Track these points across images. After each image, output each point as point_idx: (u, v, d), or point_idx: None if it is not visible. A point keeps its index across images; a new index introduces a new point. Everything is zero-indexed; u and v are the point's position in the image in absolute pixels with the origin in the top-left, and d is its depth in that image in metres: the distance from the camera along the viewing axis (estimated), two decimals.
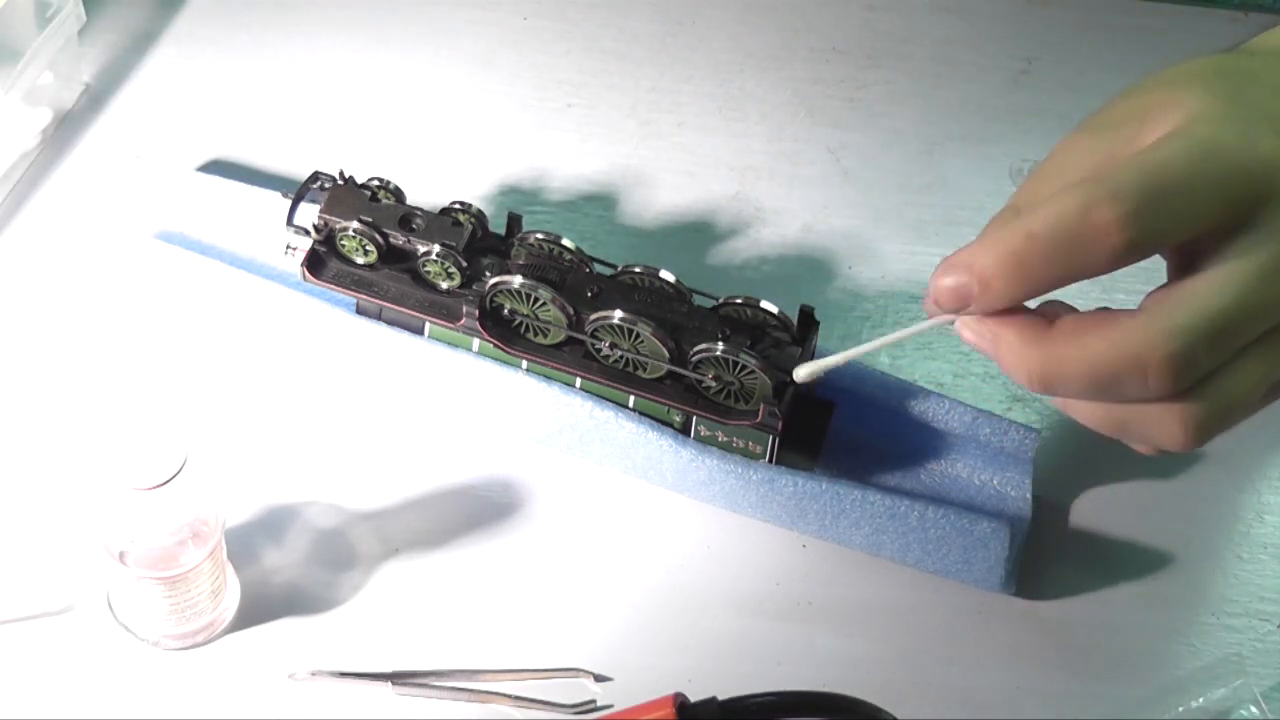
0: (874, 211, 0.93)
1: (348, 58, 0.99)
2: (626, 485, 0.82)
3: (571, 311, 0.79)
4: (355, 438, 0.83)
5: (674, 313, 0.79)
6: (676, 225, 0.92)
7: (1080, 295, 0.61)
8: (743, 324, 0.79)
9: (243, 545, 0.79)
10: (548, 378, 0.81)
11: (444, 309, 0.81)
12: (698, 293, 0.80)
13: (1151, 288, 0.60)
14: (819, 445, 0.81)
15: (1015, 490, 0.80)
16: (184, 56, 0.98)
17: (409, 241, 0.80)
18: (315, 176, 0.83)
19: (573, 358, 0.81)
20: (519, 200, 0.92)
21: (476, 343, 0.81)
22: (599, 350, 0.80)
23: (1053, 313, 0.61)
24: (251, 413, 0.84)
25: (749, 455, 0.79)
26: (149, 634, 0.76)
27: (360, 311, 0.83)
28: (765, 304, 0.78)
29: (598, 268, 0.82)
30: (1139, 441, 0.63)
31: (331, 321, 0.83)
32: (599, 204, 0.93)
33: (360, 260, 0.82)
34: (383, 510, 0.81)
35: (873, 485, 0.80)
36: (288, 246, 0.82)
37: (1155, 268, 0.61)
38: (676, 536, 0.81)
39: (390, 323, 0.83)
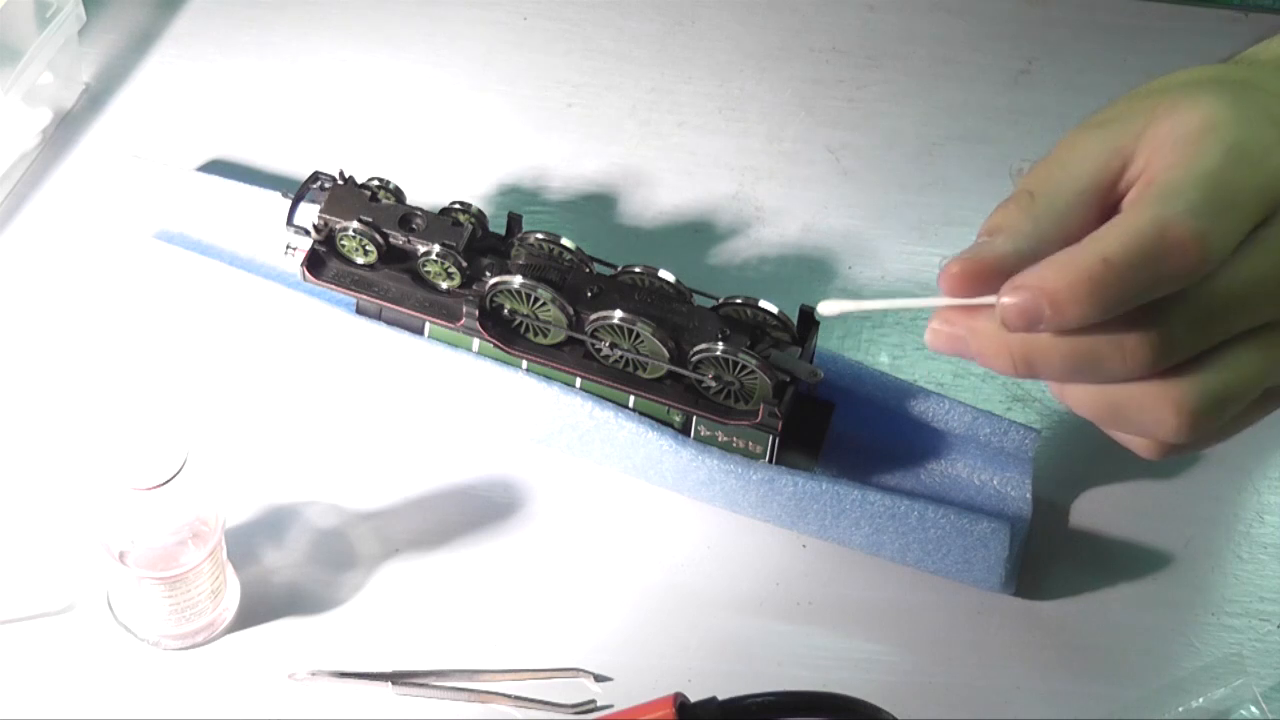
0: (874, 211, 0.93)
1: (348, 58, 0.99)
2: (626, 485, 0.82)
3: (571, 311, 0.79)
4: (355, 438, 0.83)
5: (674, 313, 0.79)
6: (676, 225, 0.92)
7: None
8: (743, 324, 0.79)
9: (243, 545, 0.79)
10: (548, 378, 0.81)
11: (444, 309, 0.81)
12: (698, 293, 0.80)
13: None
14: (819, 445, 0.81)
15: (1015, 490, 0.80)
16: (184, 56, 0.98)
17: (409, 241, 0.80)
18: (315, 176, 0.83)
19: (573, 358, 0.81)
20: (519, 200, 0.92)
21: (476, 343, 0.81)
22: (599, 350, 0.80)
23: None
24: (251, 413, 0.84)
25: (749, 455, 0.79)
26: (149, 634, 0.76)
27: (360, 311, 0.83)
28: (765, 304, 0.78)
29: (598, 268, 0.82)
30: (1134, 430, 0.64)
31: (331, 321, 0.83)
32: (599, 204, 0.93)
33: (360, 260, 0.82)
34: (383, 510, 0.81)
35: (873, 485, 0.80)
36: (288, 246, 0.82)
37: None
38: (676, 536, 0.81)
39: (390, 323, 0.83)
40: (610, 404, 0.80)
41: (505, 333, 0.81)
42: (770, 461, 0.79)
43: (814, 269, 0.90)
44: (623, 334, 0.78)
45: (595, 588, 0.79)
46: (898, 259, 0.91)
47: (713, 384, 0.78)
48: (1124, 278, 0.58)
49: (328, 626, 0.77)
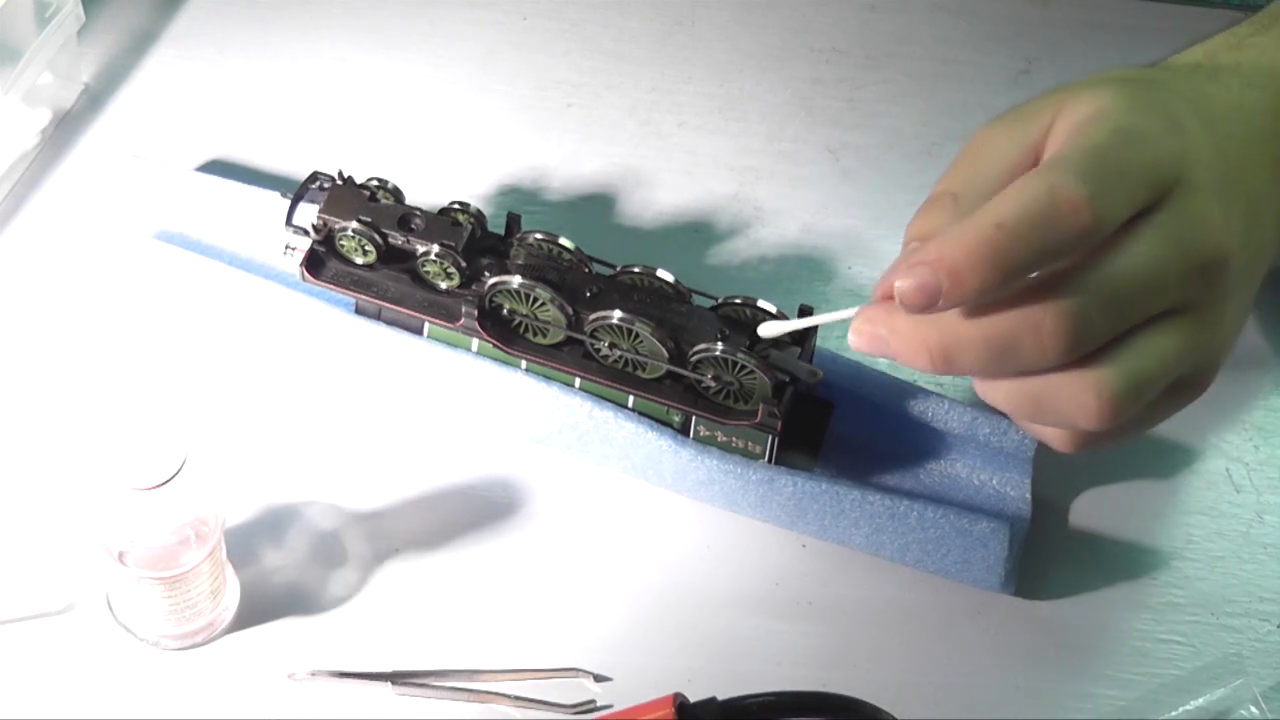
0: (874, 211, 0.93)
1: (347, 58, 0.99)
2: (626, 485, 0.82)
3: (570, 311, 0.79)
4: (355, 438, 0.83)
5: (673, 313, 0.79)
6: (676, 225, 0.92)
7: None
8: (742, 324, 0.78)
9: (243, 545, 0.79)
10: (547, 378, 0.81)
11: (443, 309, 0.81)
12: (697, 293, 0.80)
13: None
14: (819, 445, 0.81)
15: (1015, 490, 0.80)
16: (184, 56, 0.98)
17: (408, 241, 0.80)
18: (314, 176, 0.83)
19: (572, 358, 0.81)
20: (518, 200, 0.92)
21: (476, 343, 0.81)
22: (598, 350, 0.80)
23: None
24: (251, 413, 0.84)
25: (748, 455, 0.79)
26: (149, 634, 0.76)
27: (359, 311, 0.83)
28: (764, 304, 0.78)
29: (597, 268, 0.82)
30: (1056, 421, 0.65)
31: (331, 321, 0.83)
32: (599, 204, 0.93)
33: (359, 260, 0.82)
34: (383, 510, 0.81)
35: (872, 485, 0.80)
36: (287, 246, 0.82)
37: None
38: (676, 536, 0.81)
39: (389, 323, 0.83)
40: (610, 404, 0.80)
41: (504, 333, 0.81)
42: (770, 461, 0.79)
43: (814, 269, 0.90)
44: (622, 334, 0.78)
45: (595, 588, 0.79)
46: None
47: (712, 384, 0.78)
48: (1019, 241, 0.60)
49: (328, 626, 0.77)
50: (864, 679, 0.76)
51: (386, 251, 0.81)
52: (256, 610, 0.78)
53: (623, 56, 1.00)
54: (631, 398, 0.80)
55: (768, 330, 0.73)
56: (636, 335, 0.78)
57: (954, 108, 0.98)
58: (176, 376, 0.85)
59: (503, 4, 1.02)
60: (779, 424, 0.77)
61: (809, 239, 0.92)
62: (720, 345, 0.76)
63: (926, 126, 0.97)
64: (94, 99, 0.96)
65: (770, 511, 0.80)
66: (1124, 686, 0.77)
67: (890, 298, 0.62)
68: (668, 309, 0.79)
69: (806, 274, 0.90)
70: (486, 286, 0.79)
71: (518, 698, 0.75)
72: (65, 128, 0.95)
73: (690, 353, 0.78)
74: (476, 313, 0.80)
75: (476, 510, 0.81)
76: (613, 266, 0.81)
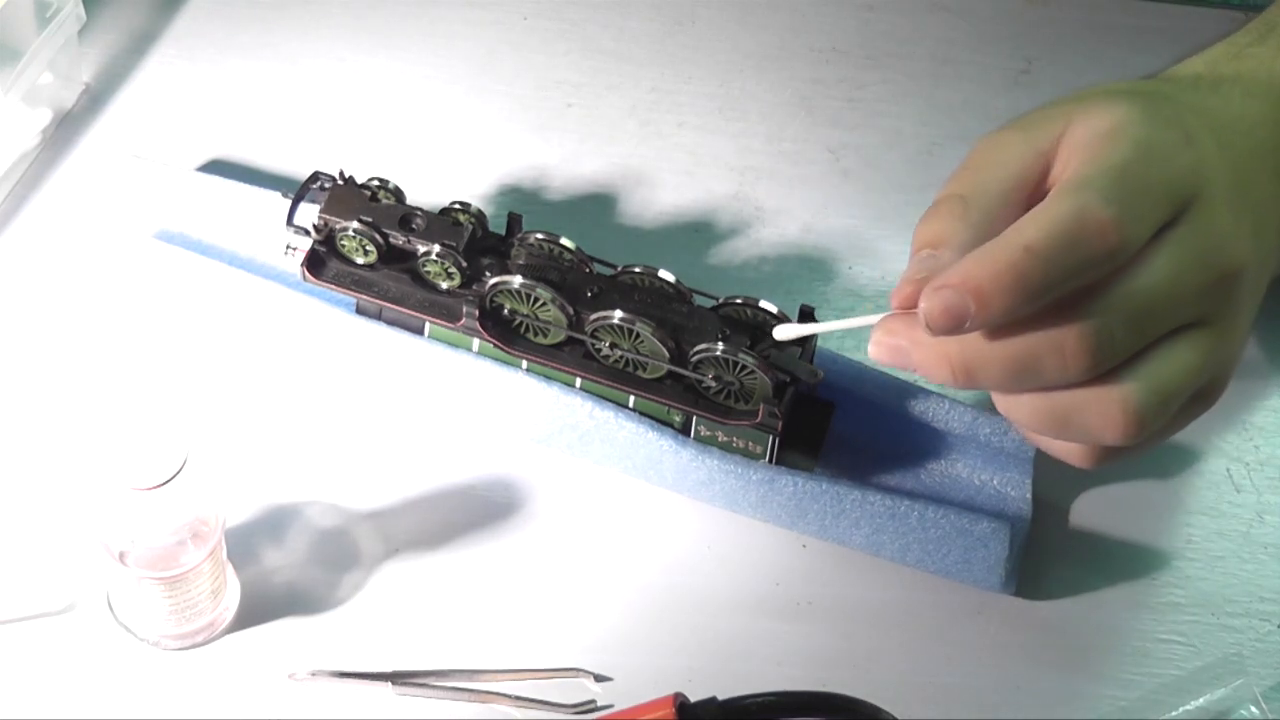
0: (874, 211, 0.93)
1: (347, 57, 0.99)
2: (626, 485, 0.82)
3: (571, 311, 0.79)
4: (355, 438, 0.83)
5: (674, 313, 0.79)
6: (676, 225, 0.92)
7: None
8: (743, 324, 0.79)
9: (243, 545, 0.79)
10: (548, 378, 0.81)
11: (444, 309, 0.81)
12: (698, 293, 0.80)
13: None
14: (819, 445, 0.81)
15: (1015, 490, 0.80)
16: (184, 56, 0.98)
17: (409, 241, 0.80)
18: (315, 176, 0.83)
19: (573, 358, 0.81)
20: (519, 200, 0.92)
21: (476, 343, 0.81)
22: (599, 350, 0.80)
23: None
24: (251, 413, 0.84)
25: (749, 455, 0.79)
26: (149, 634, 0.76)
27: (360, 311, 0.83)
28: (765, 304, 0.78)
29: (598, 268, 0.82)
30: (1081, 438, 0.65)
31: (331, 321, 0.83)
32: (599, 204, 0.93)
33: (360, 260, 0.82)
34: (383, 510, 0.81)
35: (873, 485, 0.80)
36: (288, 246, 0.82)
37: None
38: (676, 536, 0.81)
39: (390, 323, 0.83)
40: (610, 404, 0.80)
41: (505, 333, 0.81)
42: (770, 461, 0.79)
43: (814, 269, 0.90)
44: (623, 334, 0.78)
45: (595, 588, 0.79)
46: (898, 259, 0.91)
47: (713, 384, 0.78)
48: (1047, 264, 0.60)
49: (328, 626, 0.77)
50: (864, 679, 0.76)
51: (387, 251, 0.81)
52: (256, 610, 0.78)
53: (623, 56, 1.00)
54: (632, 398, 0.80)
55: (784, 333, 0.72)
56: (637, 335, 0.78)
57: (954, 108, 0.98)
58: (176, 376, 0.85)
59: (503, 4, 1.02)
60: (780, 424, 0.77)
61: (809, 239, 0.92)
62: (721, 345, 0.76)
63: (926, 126, 0.97)
64: (94, 99, 0.96)
65: (771, 511, 0.80)
66: (1124, 686, 0.77)
67: (906, 308, 0.62)
68: (669, 309, 0.79)
69: (806, 274, 0.90)
70: (487, 286, 0.79)
71: (518, 698, 0.75)
72: (66, 128, 0.95)
73: (691, 353, 0.78)
74: (477, 313, 0.80)
75: (476, 510, 0.81)
76: (613, 266, 0.81)
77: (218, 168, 0.92)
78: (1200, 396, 0.66)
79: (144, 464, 0.70)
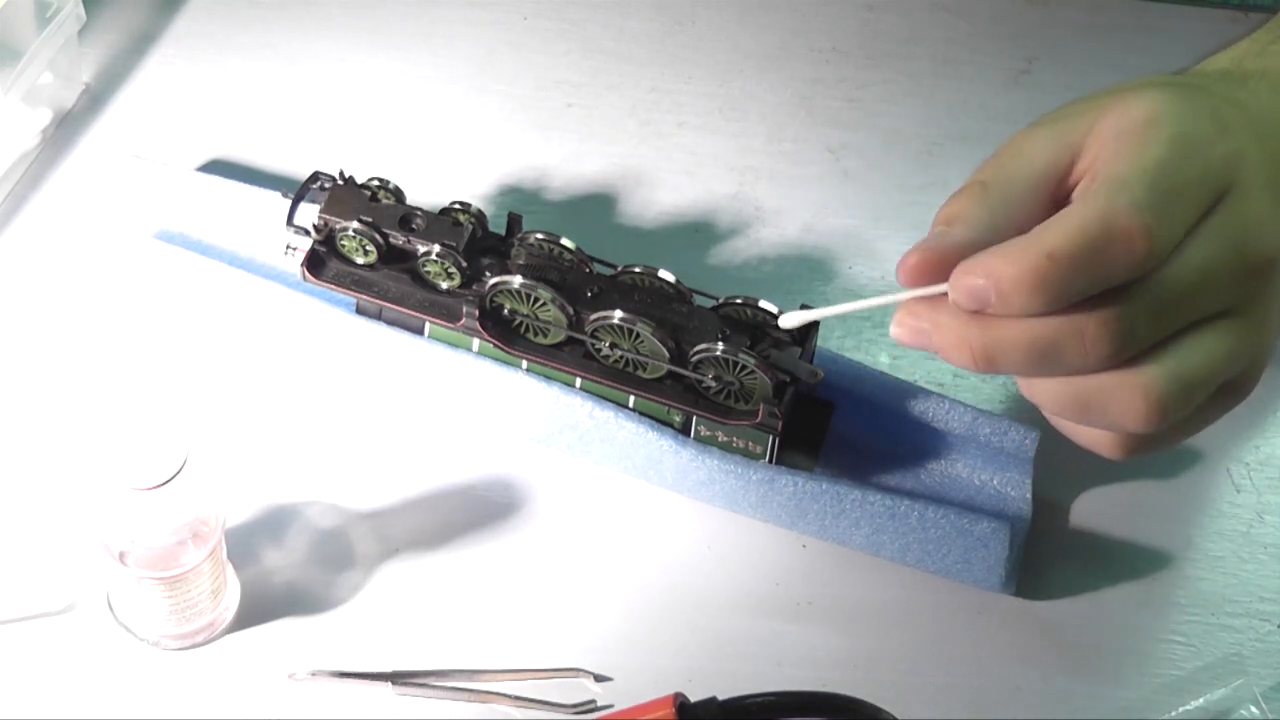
0: (874, 211, 0.93)
1: (348, 58, 0.99)
2: (626, 485, 0.82)
3: (571, 311, 0.79)
4: (355, 438, 0.83)
5: (674, 313, 0.79)
6: (676, 225, 0.92)
7: None
8: (743, 324, 0.79)
9: (243, 545, 0.79)
10: (548, 378, 0.81)
11: (444, 309, 0.81)
12: (698, 293, 0.80)
13: None
14: (819, 445, 0.81)
15: (1015, 490, 0.80)
16: (184, 56, 0.98)
17: (409, 241, 0.80)
18: (315, 176, 0.83)
19: (573, 358, 0.81)
20: (519, 200, 0.92)
21: (476, 343, 0.81)
22: (599, 350, 0.80)
23: None
24: (251, 413, 0.84)
25: (749, 455, 0.79)
26: (149, 634, 0.76)
27: (360, 311, 0.83)
28: (765, 304, 0.78)
29: (598, 268, 0.82)
30: (1103, 424, 0.64)
31: (331, 321, 0.83)
32: (599, 204, 0.93)
33: (360, 260, 0.82)
34: (383, 510, 0.81)
35: (873, 485, 0.80)
36: (288, 246, 0.82)
37: None
38: (676, 536, 0.81)
39: (390, 323, 0.83)
40: (610, 404, 0.80)
41: (505, 333, 0.81)
42: (770, 461, 0.79)
43: (814, 269, 0.90)
44: (623, 334, 0.78)
45: (595, 588, 0.79)
46: (897, 259, 0.90)
47: (713, 384, 0.78)
48: (1068, 272, 0.59)
49: (328, 626, 0.77)
50: (864, 679, 0.76)
51: (387, 251, 0.81)
52: (256, 610, 0.78)
53: (623, 56, 1.00)
54: (632, 398, 0.80)
55: (789, 321, 0.71)
56: (637, 335, 0.78)
57: (954, 108, 0.98)
58: (176, 376, 0.85)
59: (503, 4, 1.02)
60: (780, 424, 0.77)
61: (809, 239, 0.92)
62: (721, 345, 0.76)
63: (926, 126, 0.97)
64: (94, 99, 0.96)
65: (771, 511, 0.80)
66: (1124, 686, 0.77)
67: (910, 277, 0.62)
68: (669, 309, 0.79)
69: (807, 274, 0.90)
70: (487, 286, 0.79)
71: (518, 698, 0.75)
72: (66, 128, 0.95)
73: (691, 353, 0.78)
74: (477, 313, 0.80)
75: (476, 510, 0.81)
76: (614, 266, 0.81)
77: (218, 168, 0.92)
78: (1230, 389, 0.65)
79: (144, 464, 0.70)
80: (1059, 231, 0.60)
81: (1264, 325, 0.65)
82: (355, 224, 0.80)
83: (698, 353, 0.77)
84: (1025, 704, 0.76)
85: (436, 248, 0.80)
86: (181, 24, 1.00)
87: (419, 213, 0.81)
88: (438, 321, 0.81)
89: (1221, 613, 0.79)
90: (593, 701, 0.75)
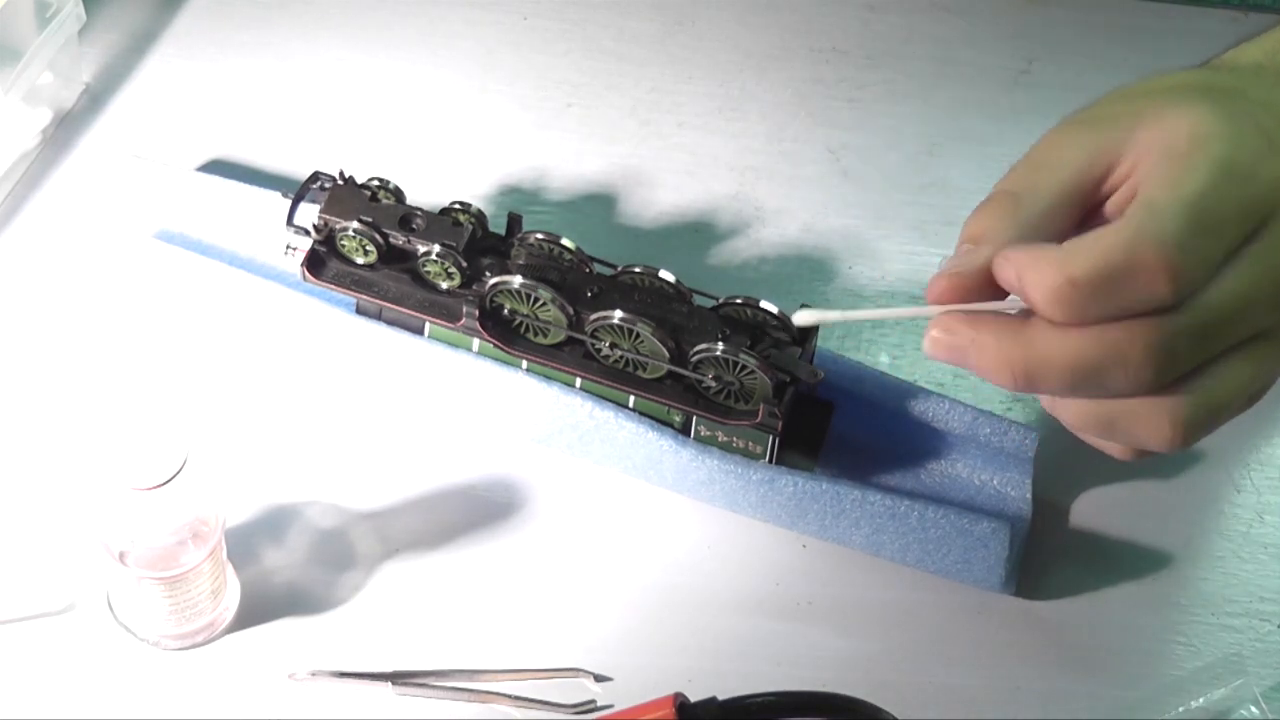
0: (874, 211, 0.93)
1: (348, 57, 0.99)
2: (626, 485, 0.82)
3: (571, 311, 0.79)
4: (355, 438, 0.83)
5: (674, 313, 0.79)
6: (676, 225, 0.92)
7: None
8: (743, 324, 0.79)
9: (243, 545, 0.79)
10: (548, 378, 0.81)
11: (444, 309, 0.81)
12: (698, 293, 0.80)
13: None
14: (819, 445, 0.81)
15: (1015, 490, 0.80)
16: (184, 56, 0.98)
17: (409, 241, 0.80)
18: (315, 176, 0.83)
19: (573, 358, 0.81)
20: (519, 200, 0.92)
21: (476, 343, 0.81)
22: (599, 350, 0.80)
23: (1026, 309, 0.60)
24: (251, 413, 0.84)
25: (749, 455, 0.79)
26: (149, 634, 0.76)
27: (360, 311, 0.83)
28: (765, 304, 0.78)
29: (598, 268, 0.82)
30: (1126, 441, 0.63)
31: (331, 321, 0.83)
32: (599, 204, 0.93)
33: (360, 260, 0.82)
34: (383, 510, 0.81)
35: (873, 485, 0.80)
36: (288, 246, 0.82)
37: None
38: (676, 536, 0.81)
39: (390, 323, 0.83)
40: (610, 404, 0.80)
41: (505, 333, 0.81)
42: (770, 461, 0.79)
43: (814, 269, 0.90)
44: (623, 334, 0.78)
45: (595, 588, 0.79)
46: (898, 259, 0.91)
47: (713, 384, 0.78)
48: (1088, 299, 0.58)
49: (328, 626, 0.77)
50: (864, 679, 0.76)
51: (387, 251, 0.81)
52: (256, 610, 0.77)
53: (623, 56, 1.00)
54: (632, 398, 0.80)
55: (803, 319, 0.68)
56: (637, 335, 0.78)
57: (954, 108, 0.98)
58: (176, 376, 0.85)
59: (503, 4, 1.02)
60: (779, 424, 0.77)
61: (809, 239, 0.92)
62: (721, 345, 0.76)
63: (926, 126, 0.97)
64: (94, 99, 0.96)
65: (771, 511, 0.80)
66: (1124, 686, 0.77)
67: (940, 302, 0.61)
68: (669, 309, 0.79)
69: (807, 274, 0.90)
70: (487, 286, 0.79)
71: (518, 698, 0.75)
72: (66, 127, 0.95)
73: (691, 353, 0.78)
74: (477, 313, 0.80)
75: (476, 510, 0.81)
76: (614, 266, 0.81)
77: (218, 168, 0.92)
78: (1261, 388, 0.65)
79: (144, 464, 0.70)
80: (1084, 256, 0.58)
81: None
82: (355, 224, 0.80)
83: (698, 353, 0.77)
84: (1025, 704, 0.76)
85: (436, 248, 0.80)
86: (181, 24, 1.00)
87: (419, 213, 0.81)
88: (438, 321, 0.81)
89: (1221, 613, 0.79)
90: (593, 701, 0.75)
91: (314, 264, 0.82)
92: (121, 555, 0.73)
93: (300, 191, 0.82)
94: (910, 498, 0.78)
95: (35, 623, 0.76)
